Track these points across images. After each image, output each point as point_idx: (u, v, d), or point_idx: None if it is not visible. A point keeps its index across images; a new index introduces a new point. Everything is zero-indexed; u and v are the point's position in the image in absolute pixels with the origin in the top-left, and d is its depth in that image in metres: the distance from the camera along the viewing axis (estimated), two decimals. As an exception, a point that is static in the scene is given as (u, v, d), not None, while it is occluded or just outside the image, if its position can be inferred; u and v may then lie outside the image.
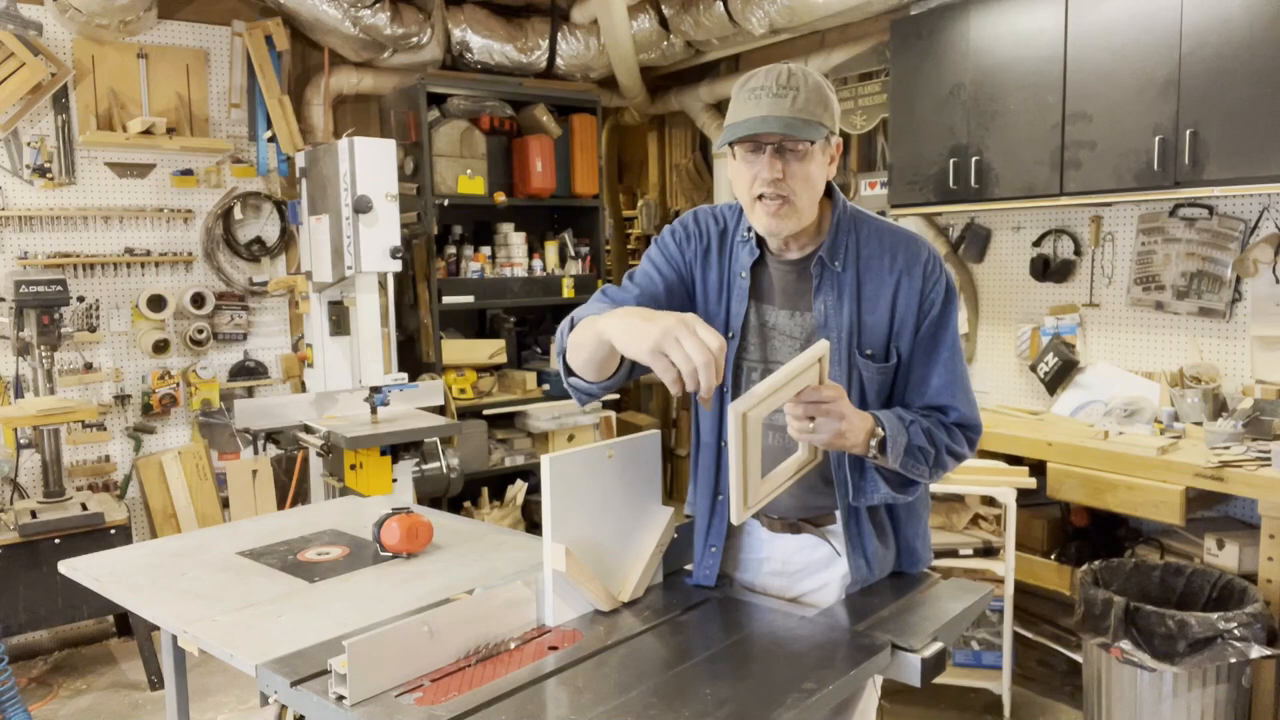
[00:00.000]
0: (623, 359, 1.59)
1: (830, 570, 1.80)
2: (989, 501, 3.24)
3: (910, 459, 1.63)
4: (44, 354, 3.68)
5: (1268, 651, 2.57)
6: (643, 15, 4.91)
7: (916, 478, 1.68)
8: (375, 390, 3.57)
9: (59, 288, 3.64)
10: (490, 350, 4.81)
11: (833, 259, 1.70)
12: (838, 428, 1.52)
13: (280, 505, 4.43)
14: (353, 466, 3.40)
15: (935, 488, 3.06)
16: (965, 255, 4.21)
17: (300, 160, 3.87)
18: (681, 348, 1.35)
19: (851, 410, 1.56)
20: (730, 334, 1.76)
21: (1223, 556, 3.00)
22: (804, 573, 1.83)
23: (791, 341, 1.73)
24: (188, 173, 4.37)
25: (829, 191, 1.74)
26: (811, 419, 1.51)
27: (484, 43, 4.84)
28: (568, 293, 4.98)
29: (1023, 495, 3.18)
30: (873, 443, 1.59)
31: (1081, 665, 3.07)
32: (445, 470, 3.89)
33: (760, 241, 1.76)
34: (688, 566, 1.92)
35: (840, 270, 1.70)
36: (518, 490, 4.83)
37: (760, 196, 1.61)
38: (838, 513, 1.75)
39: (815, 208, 1.68)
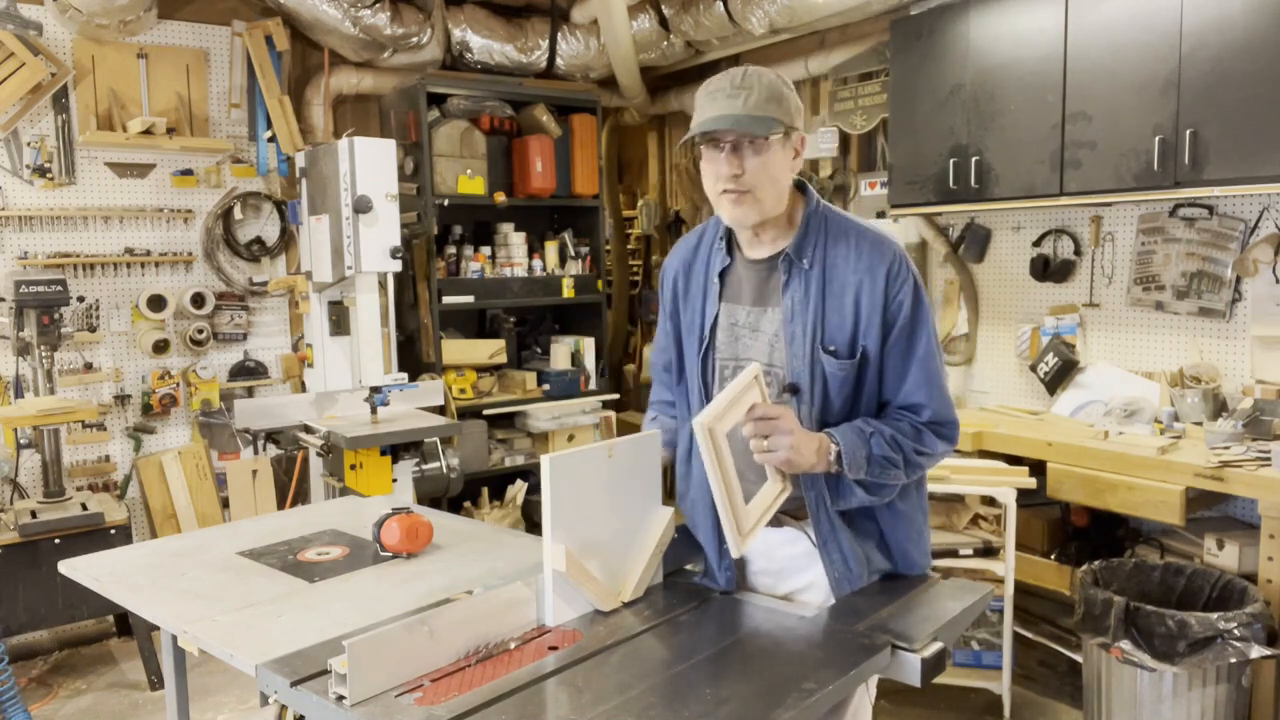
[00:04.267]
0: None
1: (814, 569, 1.81)
2: (989, 501, 3.24)
3: (875, 468, 1.69)
4: (44, 354, 3.68)
5: (1268, 651, 2.57)
6: (643, 15, 4.91)
7: (889, 483, 1.73)
8: (375, 390, 3.57)
9: (59, 288, 3.64)
10: (490, 350, 4.81)
11: (800, 256, 1.75)
12: (788, 442, 1.61)
13: (280, 505, 4.43)
14: (353, 466, 3.39)
15: (935, 488, 3.06)
16: (965, 255, 4.21)
17: (300, 160, 3.86)
18: None
19: (798, 428, 1.65)
20: (704, 336, 1.84)
21: (1223, 556, 3.00)
22: (787, 570, 1.84)
23: (760, 336, 1.79)
24: (188, 173, 4.37)
25: (802, 189, 1.81)
26: (765, 437, 1.61)
27: (484, 43, 4.84)
28: (568, 293, 4.98)
29: (1023, 495, 3.18)
30: (830, 458, 1.66)
31: (1081, 665, 3.07)
32: (445, 470, 3.89)
33: (730, 247, 1.84)
34: (689, 567, 1.92)
35: (808, 268, 1.75)
36: (518, 490, 4.83)
37: (725, 190, 1.70)
38: (805, 502, 1.77)
39: (781, 200, 1.75)
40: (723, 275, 1.83)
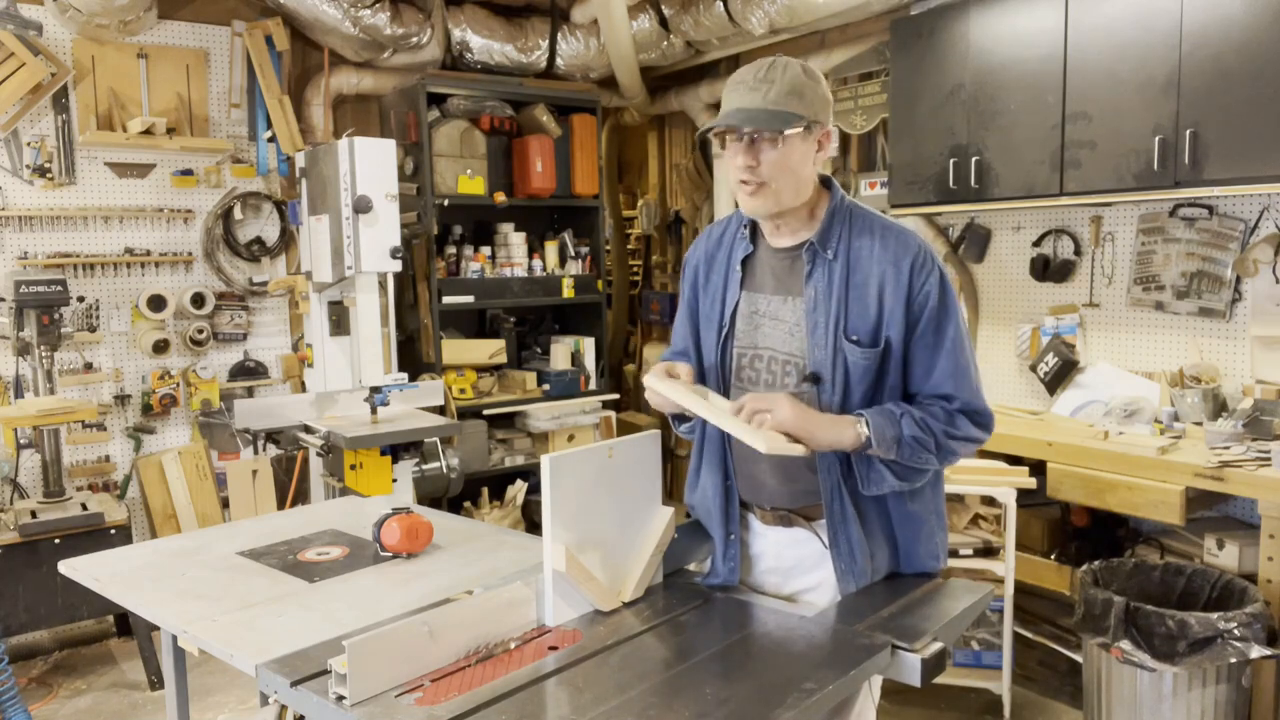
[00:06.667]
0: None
1: (822, 569, 1.82)
2: (989, 501, 3.24)
3: (905, 450, 1.68)
4: (44, 354, 3.68)
5: (1268, 651, 2.57)
6: (643, 15, 4.91)
7: (920, 467, 1.73)
8: (375, 390, 3.57)
9: (59, 288, 3.64)
10: (490, 350, 4.81)
11: (824, 246, 1.77)
12: (780, 408, 1.64)
13: (280, 505, 4.43)
14: (353, 466, 3.39)
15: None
16: (965, 255, 4.21)
17: (300, 160, 3.86)
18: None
19: (807, 413, 1.67)
20: (724, 324, 1.85)
21: (1223, 556, 3.00)
22: (796, 570, 1.84)
23: (780, 325, 1.80)
24: (188, 173, 4.37)
25: (827, 184, 1.83)
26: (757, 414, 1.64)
27: (484, 43, 4.84)
28: (568, 293, 4.98)
29: (1023, 495, 3.18)
30: (858, 433, 1.67)
31: (1081, 665, 3.07)
32: (445, 470, 3.89)
33: (754, 235, 1.86)
34: (690, 567, 1.92)
35: (831, 258, 1.76)
36: (518, 490, 4.83)
37: (743, 180, 1.73)
38: (821, 495, 1.77)
39: (800, 192, 1.76)
40: (745, 263, 1.85)
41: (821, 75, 1.76)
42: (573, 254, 5.09)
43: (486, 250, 4.86)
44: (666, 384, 1.71)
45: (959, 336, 1.75)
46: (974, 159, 3.68)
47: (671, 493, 5.56)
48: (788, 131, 1.67)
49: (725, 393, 1.84)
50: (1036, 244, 3.96)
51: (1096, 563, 3.02)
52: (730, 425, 1.64)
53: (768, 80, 1.68)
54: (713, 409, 1.67)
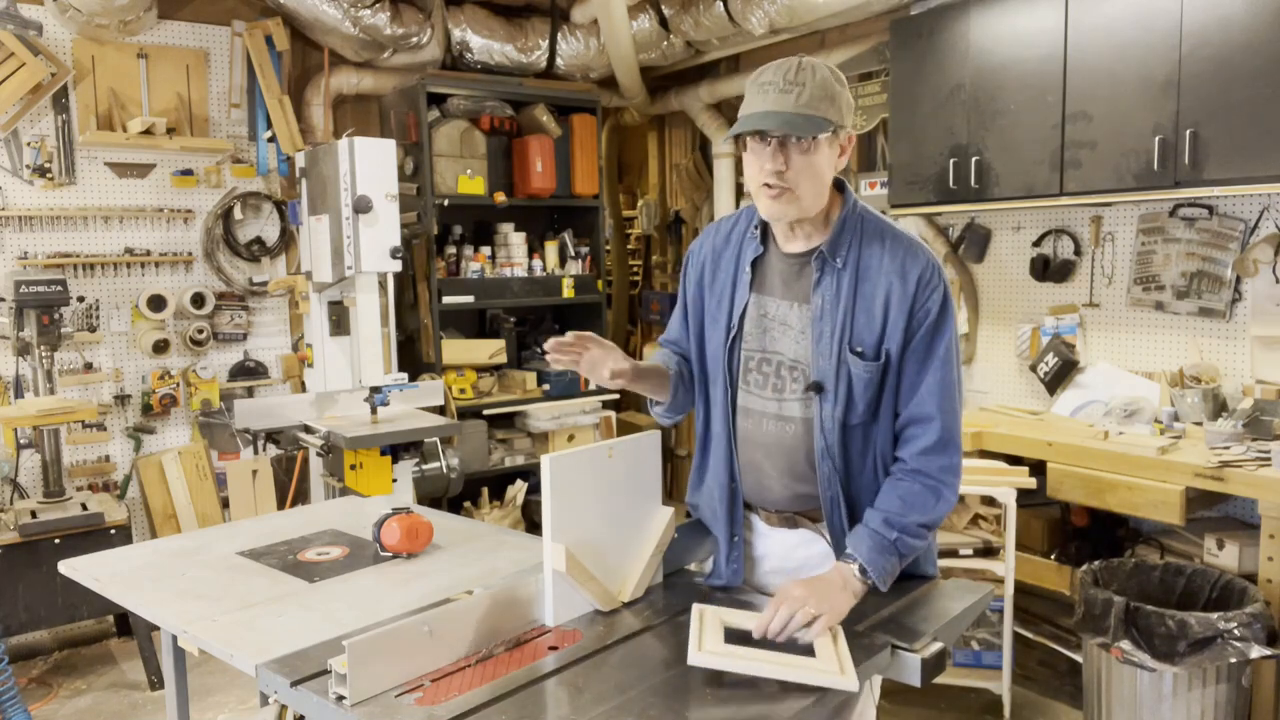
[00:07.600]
0: (668, 384, 1.92)
1: (827, 569, 1.81)
2: (989, 501, 3.24)
3: (906, 560, 1.70)
4: (44, 354, 3.68)
5: (1268, 651, 2.57)
6: (643, 15, 4.91)
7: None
8: (375, 390, 3.57)
9: (59, 288, 3.64)
10: (490, 350, 4.81)
11: (834, 255, 1.74)
12: (814, 602, 1.56)
13: (280, 505, 4.43)
14: (353, 466, 3.39)
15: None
16: (965, 255, 4.21)
17: (300, 160, 3.86)
18: None
19: (807, 587, 1.61)
20: (732, 325, 1.82)
21: (1223, 556, 3.00)
22: (802, 570, 1.84)
23: (789, 331, 1.78)
24: (188, 173, 4.37)
25: (841, 188, 1.80)
26: (792, 621, 1.56)
27: (484, 43, 4.84)
28: (568, 293, 4.98)
29: (1023, 495, 3.18)
30: (856, 584, 1.65)
31: (1081, 665, 3.07)
32: (445, 470, 3.89)
33: (765, 237, 1.82)
34: (690, 567, 1.92)
35: (840, 266, 1.73)
36: (518, 490, 4.83)
37: (766, 184, 1.68)
38: (821, 503, 1.77)
39: (821, 198, 1.73)
40: (754, 265, 1.82)
41: (844, 78, 1.71)
42: (573, 254, 5.09)
43: (486, 250, 4.86)
44: (725, 660, 1.47)
45: (949, 354, 1.73)
46: (974, 159, 3.68)
47: (671, 493, 5.56)
48: (820, 136, 1.63)
49: (731, 394, 1.82)
50: (1036, 244, 3.96)
51: (1096, 563, 3.02)
52: (805, 673, 1.44)
53: (798, 83, 1.62)
54: (770, 658, 1.49)
